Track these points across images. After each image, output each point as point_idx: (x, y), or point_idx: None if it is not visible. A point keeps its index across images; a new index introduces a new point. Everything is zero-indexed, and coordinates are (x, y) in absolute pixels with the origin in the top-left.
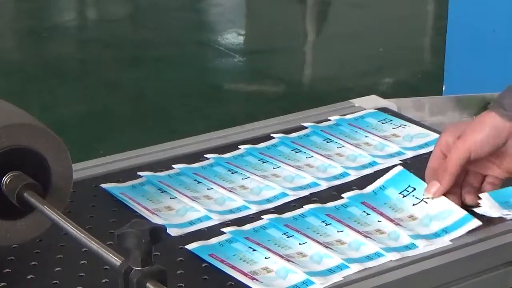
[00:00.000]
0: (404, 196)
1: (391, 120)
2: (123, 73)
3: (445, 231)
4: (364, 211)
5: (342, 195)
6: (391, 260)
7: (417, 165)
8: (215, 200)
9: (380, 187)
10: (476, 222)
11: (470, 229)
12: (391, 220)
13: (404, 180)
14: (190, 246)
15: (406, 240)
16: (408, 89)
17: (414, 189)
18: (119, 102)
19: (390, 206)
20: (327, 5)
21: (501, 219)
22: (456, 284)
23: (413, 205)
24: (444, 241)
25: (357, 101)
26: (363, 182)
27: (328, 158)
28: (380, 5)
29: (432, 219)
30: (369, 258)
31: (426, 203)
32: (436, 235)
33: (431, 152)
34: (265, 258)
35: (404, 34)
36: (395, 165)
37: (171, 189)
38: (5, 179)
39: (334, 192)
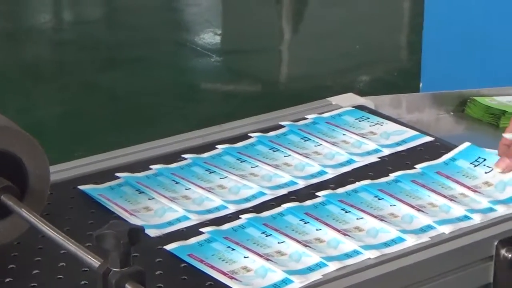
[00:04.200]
0: (475, 166)
1: (368, 118)
2: (100, 74)
3: None
4: (343, 209)
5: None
6: (369, 258)
7: (394, 162)
8: (193, 200)
9: (451, 159)
10: None
11: None
12: (468, 188)
13: (473, 153)
14: (169, 247)
15: (486, 205)
16: (385, 87)
17: (485, 159)
18: (96, 103)
19: (464, 174)
20: (303, 4)
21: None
22: (435, 280)
23: (486, 173)
24: None
25: (334, 99)
26: (340, 180)
27: (306, 157)
28: (356, 3)
29: (506, 184)
30: (347, 256)
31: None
32: None
33: (408, 149)
34: (244, 257)
35: (380, 31)
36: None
37: (149, 189)
38: None
39: (312, 191)
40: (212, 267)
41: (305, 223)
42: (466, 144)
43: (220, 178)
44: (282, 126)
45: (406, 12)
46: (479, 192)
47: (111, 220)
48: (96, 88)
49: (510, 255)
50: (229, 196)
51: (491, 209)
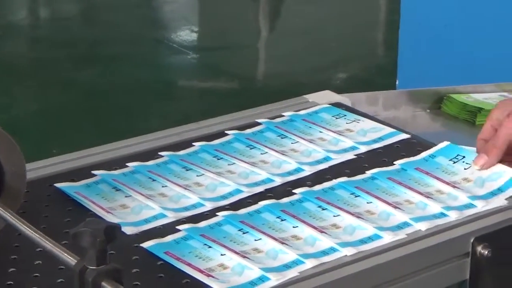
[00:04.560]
0: (454, 163)
1: (345, 115)
2: (77, 71)
3: (500, 190)
4: (319, 206)
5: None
6: (346, 255)
7: (371, 160)
8: (170, 197)
9: (430, 156)
10: None
11: None
12: (447, 183)
13: (452, 151)
14: (145, 244)
15: (465, 200)
16: (361, 84)
17: (464, 156)
18: (73, 101)
19: (443, 170)
20: (280, 1)
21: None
22: (412, 277)
23: (465, 169)
24: (500, 200)
25: (311, 97)
26: (317, 177)
27: (283, 154)
28: (333, 0)
29: (485, 180)
30: (324, 253)
31: None
32: (492, 194)
33: (385, 146)
34: (221, 254)
35: (357, 28)
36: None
37: (126, 187)
38: None
39: (289, 188)
40: (189, 264)
41: (282, 220)
42: (445, 143)
43: (197, 176)
44: (258, 124)
45: (383, 9)
46: (458, 188)
47: (88, 218)
48: (73, 85)
49: (486, 252)
50: (206, 193)
51: (470, 205)
